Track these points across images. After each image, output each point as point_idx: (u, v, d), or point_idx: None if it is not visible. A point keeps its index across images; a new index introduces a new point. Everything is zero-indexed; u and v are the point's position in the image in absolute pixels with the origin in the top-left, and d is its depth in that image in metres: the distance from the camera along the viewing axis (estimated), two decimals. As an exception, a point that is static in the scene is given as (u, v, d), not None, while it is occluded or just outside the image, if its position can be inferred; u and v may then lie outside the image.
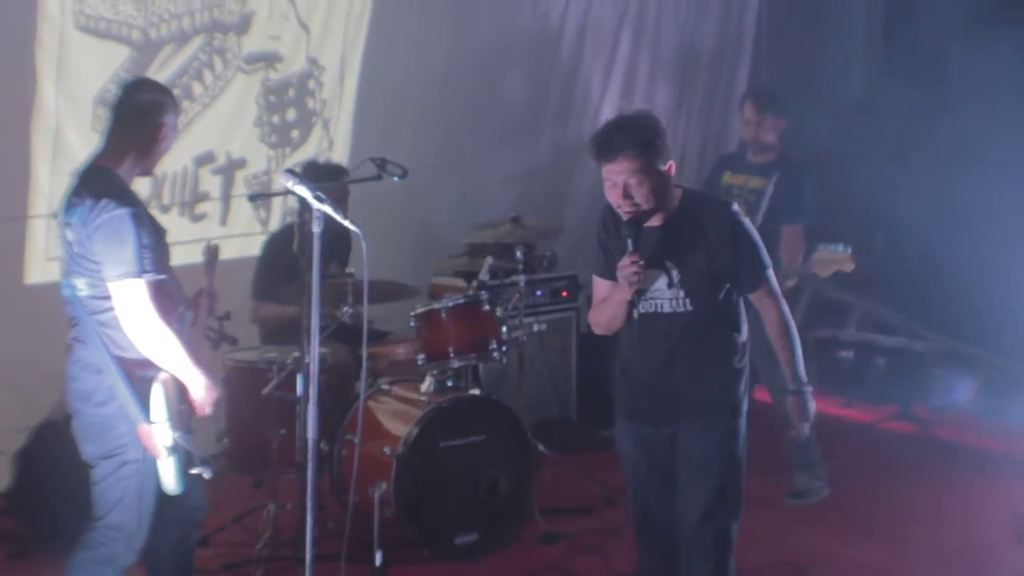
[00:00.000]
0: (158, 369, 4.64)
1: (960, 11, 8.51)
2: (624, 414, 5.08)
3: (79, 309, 4.68)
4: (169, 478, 4.66)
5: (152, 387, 4.60)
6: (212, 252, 5.25)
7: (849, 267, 6.38)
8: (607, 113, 9.82)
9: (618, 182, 4.56)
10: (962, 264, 8.04)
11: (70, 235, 4.64)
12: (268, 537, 6.26)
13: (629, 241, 4.56)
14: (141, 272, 4.51)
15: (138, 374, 4.61)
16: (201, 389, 4.74)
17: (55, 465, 4.79)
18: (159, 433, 4.58)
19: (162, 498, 4.74)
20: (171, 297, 4.77)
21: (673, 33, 10.08)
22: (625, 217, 4.60)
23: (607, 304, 4.81)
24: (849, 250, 6.35)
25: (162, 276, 4.61)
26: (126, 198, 4.58)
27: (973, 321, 8.91)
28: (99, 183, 4.64)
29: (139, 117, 4.75)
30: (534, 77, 9.49)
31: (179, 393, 4.71)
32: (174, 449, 4.61)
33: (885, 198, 8.51)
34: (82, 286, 4.64)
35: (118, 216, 4.52)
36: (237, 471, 6.66)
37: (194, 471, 4.72)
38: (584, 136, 9.75)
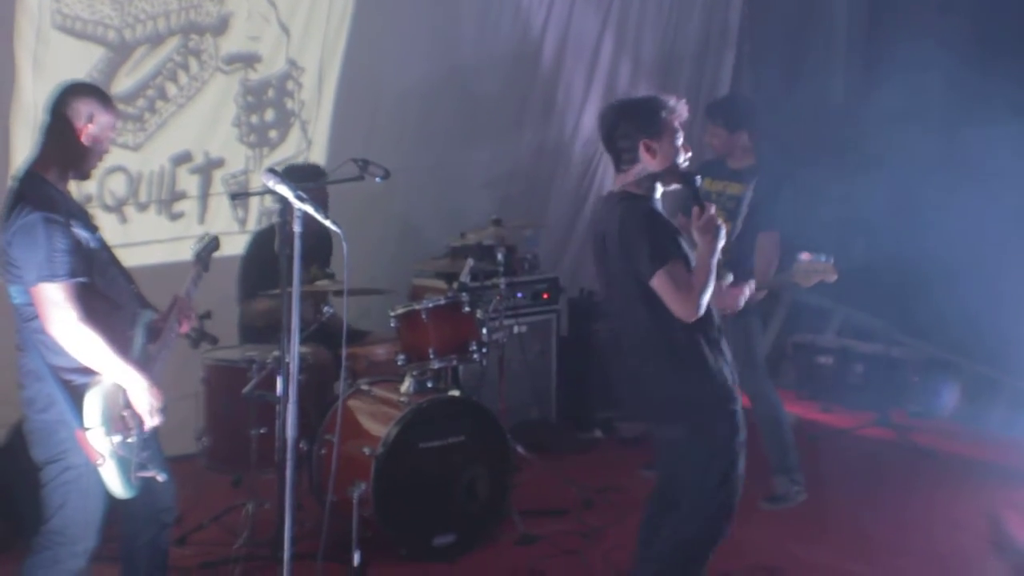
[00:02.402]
0: (94, 374, 4.61)
1: (943, 17, 8.54)
2: (739, 437, 4.91)
3: (16, 316, 4.68)
4: (113, 483, 4.62)
5: (87, 392, 4.58)
6: (210, 244, 5.24)
7: (832, 278, 6.33)
8: (589, 116, 9.83)
9: None
10: (942, 271, 8.06)
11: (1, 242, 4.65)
12: (247, 536, 6.25)
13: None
14: (53, 276, 4.48)
15: (73, 380, 4.59)
16: (141, 392, 4.67)
17: (33, 461, 4.77)
18: (94, 438, 4.55)
19: (132, 499, 4.71)
20: (108, 299, 4.73)
21: (655, 37, 10.08)
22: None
23: (707, 270, 4.72)
24: (832, 260, 6.32)
25: (80, 279, 4.55)
26: (40, 203, 4.54)
27: (952, 328, 8.93)
28: (22, 189, 4.64)
29: (62, 124, 4.73)
30: (515, 79, 9.49)
31: (123, 398, 4.67)
32: (112, 454, 4.58)
33: (866, 203, 8.53)
34: (14, 294, 4.64)
35: (30, 221, 4.49)
36: (216, 470, 6.68)
37: (144, 474, 4.69)
38: (566, 138, 9.79)
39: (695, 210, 4.77)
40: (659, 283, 4.67)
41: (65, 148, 4.74)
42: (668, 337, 4.78)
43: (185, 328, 5.13)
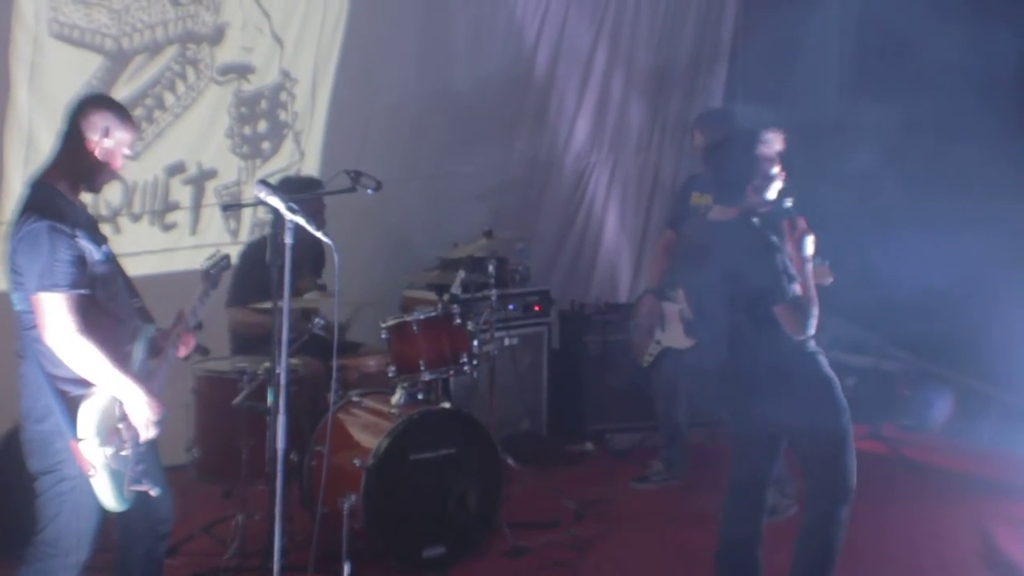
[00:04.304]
0: (91, 385, 4.60)
1: (935, 29, 8.55)
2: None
3: (18, 323, 4.67)
4: (105, 495, 4.60)
5: (81, 404, 4.57)
6: (221, 262, 5.22)
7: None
8: (581, 128, 9.84)
9: None
10: (934, 285, 8.06)
11: (6, 249, 4.64)
12: (236, 547, 6.26)
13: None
14: (53, 286, 4.46)
15: (69, 391, 4.57)
16: (139, 405, 4.64)
17: (24, 471, 4.75)
18: (87, 449, 4.53)
19: (129, 511, 4.70)
20: (108, 312, 4.71)
21: (648, 49, 10.10)
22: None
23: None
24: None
25: (81, 291, 4.53)
26: (47, 212, 4.52)
27: (943, 342, 8.93)
28: (31, 197, 4.63)
29: (76, 135, 4.71)
30: (508, 91, 9.50)
31: (118, 410, 4.65)
32: (105, 466, 4.58)
33: (857, 217, 8.53)
34: (16, 301, 4.63)
35: (35, 230, 4.48)
36: (206, 481, 6.65)
37: (138, 488, 4.67)
38: (558, 151, 9.80)
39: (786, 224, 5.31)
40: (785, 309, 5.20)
41: (77, 160, 4.71)
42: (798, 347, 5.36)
43: (183, 353, 5.07)
